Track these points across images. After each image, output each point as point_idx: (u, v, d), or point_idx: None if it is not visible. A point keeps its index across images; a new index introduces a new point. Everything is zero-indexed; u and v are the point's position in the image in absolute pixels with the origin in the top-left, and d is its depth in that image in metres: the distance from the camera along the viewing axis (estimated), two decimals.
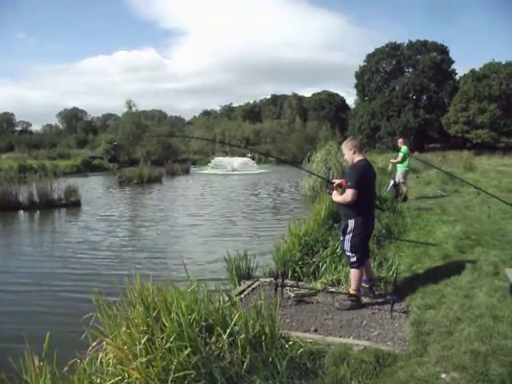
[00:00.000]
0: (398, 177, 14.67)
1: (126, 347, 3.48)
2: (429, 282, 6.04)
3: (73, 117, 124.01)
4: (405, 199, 14.08)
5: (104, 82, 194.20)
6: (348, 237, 5.56)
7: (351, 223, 5.53)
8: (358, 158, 5.64)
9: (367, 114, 67.96)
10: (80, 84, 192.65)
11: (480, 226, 9.29)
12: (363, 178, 5.49)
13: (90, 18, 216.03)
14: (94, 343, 3.75)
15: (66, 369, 3.57)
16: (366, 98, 71.66)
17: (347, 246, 5.57)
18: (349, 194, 5.39)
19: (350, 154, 5.70)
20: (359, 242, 5.54)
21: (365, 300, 5.70)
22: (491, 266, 6.40)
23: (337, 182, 5.97)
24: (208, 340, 3.62)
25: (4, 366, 3.52)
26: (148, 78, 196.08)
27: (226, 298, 4.41)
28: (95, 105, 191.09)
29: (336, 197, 5.72)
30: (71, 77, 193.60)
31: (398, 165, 14.76)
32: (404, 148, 14.74)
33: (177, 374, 3.29)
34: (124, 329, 3.61)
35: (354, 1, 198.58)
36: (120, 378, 3.37)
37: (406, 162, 14.69)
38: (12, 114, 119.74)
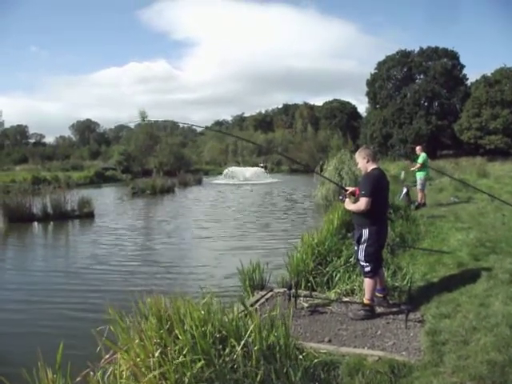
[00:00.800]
0: (417, 183, 14.75)
1: (139, 359, 3.48)
2: (444, 290, 5.99)
3: (85, 128, 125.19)
4: (418, 206, 14.05)
5: (116, 93, 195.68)
6: (362, 246, 5.54)
7: (365, 233, 5.51)
8: (371, 166, 5.64)
9: (379, 122, 67.67)
10: (93, 96, 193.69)
11: (494, 233, 9.19)
12: (377, 186, 5.49)
13: (102, 31, 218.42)
14: (107, 356, 3.75)
15: (78, 379, 3.57)
16: (378, 106, 71.39)
17: (361, 255, 5.54)
18: (363, 203, 5.38)
19: (363, 162, 5.70)
20: (373, 251, 5.53)
21: (379, 310, 5.66)
22: (507, 274, 6.31)
23: (350, 189, 5.96)
24: (222, 352, 3.61)
25: (18, 378, 3.52)
26: (160, 90, 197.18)
27: (241, 308, 4.40)
28: (108, 116, 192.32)
29: (349, 205, 5.71)
30: (84, 89, 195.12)
31: (418, 172, 14.80)
32: (423, 155, 14.75)
33: None
34: (137, 341, 3.61)
35: (362, 9, 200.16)
36: None
37: (426, 169, 14.72)
38: (26, 126, 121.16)
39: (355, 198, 5.74)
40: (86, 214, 19.29)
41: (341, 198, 6.05)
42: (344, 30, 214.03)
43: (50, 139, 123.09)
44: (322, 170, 20.26)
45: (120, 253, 12.59)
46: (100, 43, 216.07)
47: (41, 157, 71.02)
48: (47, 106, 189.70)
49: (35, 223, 18.17)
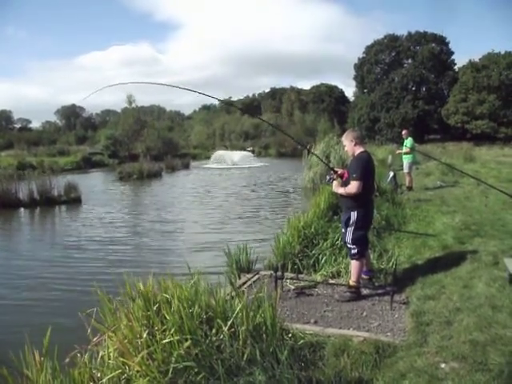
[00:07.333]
0: (404, 167, 14.82)
1: (126, 340, 3.49)
2: (428, 272, 6.06)
3: (71, 113, 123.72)
4: (404, 190, 14.14)
5: (100, 77, 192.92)
6: (350, 229, 5.56)
7: (353, 215, 5.53)
8: (359, 149, 5.64)
9: (366, 106, 67.69)
10: (76, 80, 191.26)
11: (479, 217, 9.28)
12: (367, 169, 5.50)
13: (82, 10, 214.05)
14: (95, 338, 3.76)
15: (67, 360, 3.58)
16: (366, 90, 71.40)
17: (349, 238, 5.57)
18: (355, 186, 5.37)
19: (351, 145, 5.68)
20: (361, 234, 5.57)
21: (364, 291, 5.72)
22: (490, 256, 6.39)
23: (340, 171, 5.92)
24: (208, 332, 3.63)
25: (5, 361, 3.53)
26: (144, 73, 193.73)
27: (228, 290, 4.42)
28: (94, 101, 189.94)
29: (338, 188, 5.68)
30: (67, 73, 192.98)
31: (404, 155, 14.86)
32: (409, 139, 14.79)
33: (177, 365, 3.30)
34: (125, 322, 3.62)
35: None
36: (120, 371, 3.38)
37: (413, 153, 14.78)
38: (10, 112, 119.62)
39: (343, 180, 5.73)
40: (73, 200, 19.21)
41: (328, 178, 5.98)
42: (332, 12, 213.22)
43: (36, 124, 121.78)
44: (309, 154, 20.35)
45: (107, 237, 12.57)
46: (81, 24, 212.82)
47: (27, 142, 69.88)
48: (31, 91, 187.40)
49: (21, 209, 18.04)
